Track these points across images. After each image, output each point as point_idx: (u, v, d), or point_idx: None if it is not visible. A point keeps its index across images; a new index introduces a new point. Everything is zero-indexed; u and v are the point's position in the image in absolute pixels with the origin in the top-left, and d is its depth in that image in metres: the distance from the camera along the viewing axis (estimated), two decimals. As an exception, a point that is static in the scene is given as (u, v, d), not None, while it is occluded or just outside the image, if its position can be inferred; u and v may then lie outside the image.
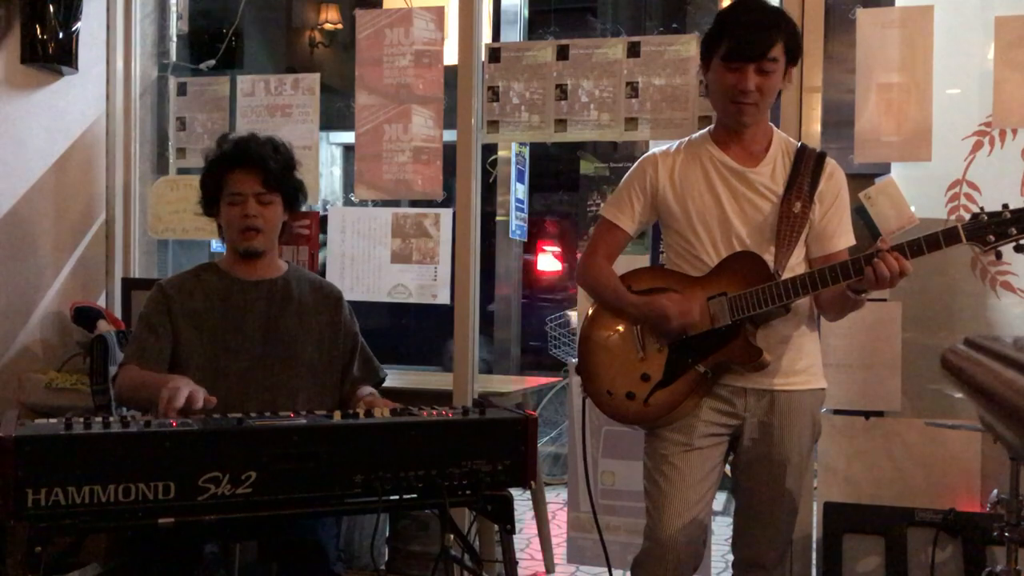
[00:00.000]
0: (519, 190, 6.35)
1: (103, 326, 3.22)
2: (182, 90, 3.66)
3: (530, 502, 3.87)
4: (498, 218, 6.42)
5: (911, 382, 2.88)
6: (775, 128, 2.36)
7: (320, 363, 2.46)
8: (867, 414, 2.93)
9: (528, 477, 2.02)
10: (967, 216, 2.11)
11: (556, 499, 4.73)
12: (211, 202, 2.47)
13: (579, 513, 3.33)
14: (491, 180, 5.53)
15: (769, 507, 2.31)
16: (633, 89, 3.08)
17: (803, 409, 2.29)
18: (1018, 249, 2.06)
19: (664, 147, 2.40)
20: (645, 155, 2.40)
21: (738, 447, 2.32)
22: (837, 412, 2.97)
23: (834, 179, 2.30)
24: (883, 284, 2.06)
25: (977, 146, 2.90)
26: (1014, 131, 2.86)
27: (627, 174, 2.41)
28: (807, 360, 2.30)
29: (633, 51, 3.09)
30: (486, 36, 3.50)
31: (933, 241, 2.07)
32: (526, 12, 5.94)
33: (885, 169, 2.98)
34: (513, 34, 5.80)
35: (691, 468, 2.26)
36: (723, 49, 2.19)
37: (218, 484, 1.81)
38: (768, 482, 2.29)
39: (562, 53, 3.16)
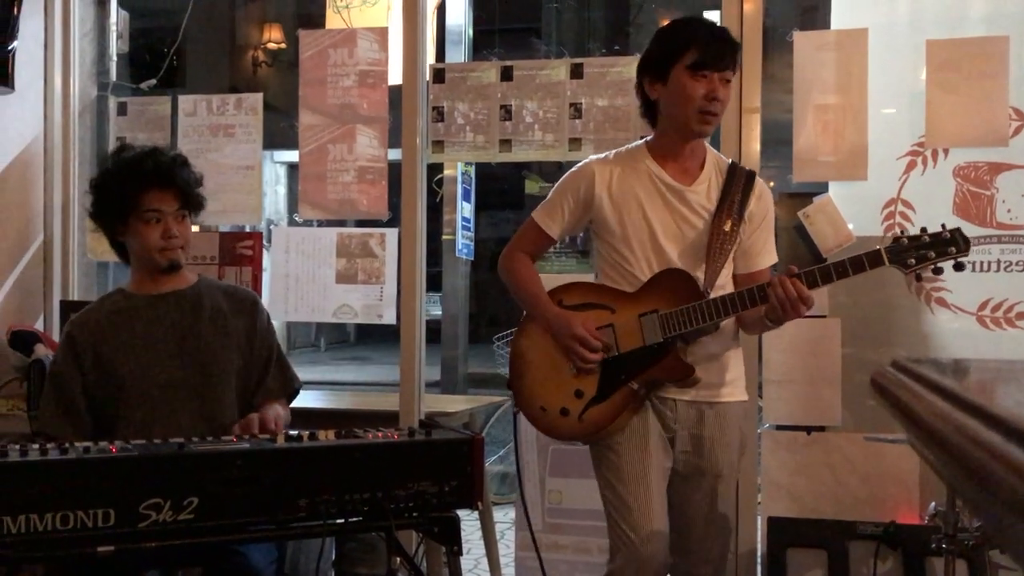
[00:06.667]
0: (465, 209, 6.36)
1: (41, 350, 3.15)
2: (122, 110, 3.62)
3: (478, 522, 3.86)
4: (445, 237, 6.43)
5: (851, 397, 2.94)
6: (707, 145, 2.40)
7: (240, 368, 2.43)
8: (808, 429, 2.97)
9: (475, 498, 2.01)
10: (900, 233, 2.18)
11: (504, 518, 4.72)
12: (116, 217, 2.38)
13: (527, 532, 3.33)
14: (437, 199, 5.53)
15: (702, 520, 2.34)
16: (576, 110, 3.11)
17: (732, 421, 2.33)
18: (936, 271, 2.15)
19: (601, 156, 2.41)
20: (582, 164, 2.41)
21: (672, 460, 2.34)
22: (779, 428, 3.01)
23: (763, 200, 2.35)
24: (786, 306, 2.11)
25: (911, 165, 2.98)
26: (946, 151, 2.93)
27: (562, 180, 2.41)
28: (732, 373, 2.35)
29: (576, 72, 3.12)
30: (430, 57, 3.51)
31: (858, 263, 2.14)
32: (471, 32, 5.98)
33: (823, 188, 3.04)
34: (458, 54, 5.82)
35: (654, 477, 2.27)
36: (691, 58, 2.20)
37: (159, 511, 1.78)
38: (700, 495, 2.33)
39: (506, 74, 3.18)
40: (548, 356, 2.34)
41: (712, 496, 2.32)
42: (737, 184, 2.31)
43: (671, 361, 2.24)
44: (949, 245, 2.13)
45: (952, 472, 0.61)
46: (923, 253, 2.13)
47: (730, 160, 2.41)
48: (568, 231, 2.43)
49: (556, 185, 2.43)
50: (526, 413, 2.40)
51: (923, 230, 2.15)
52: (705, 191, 2.30)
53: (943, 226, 2.16)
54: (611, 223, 2.31)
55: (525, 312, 2.43)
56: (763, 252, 2.35)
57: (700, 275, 2.25)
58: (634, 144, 2.41)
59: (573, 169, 2.41)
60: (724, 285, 2.29)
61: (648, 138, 2.39)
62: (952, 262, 2.15)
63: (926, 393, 0.71)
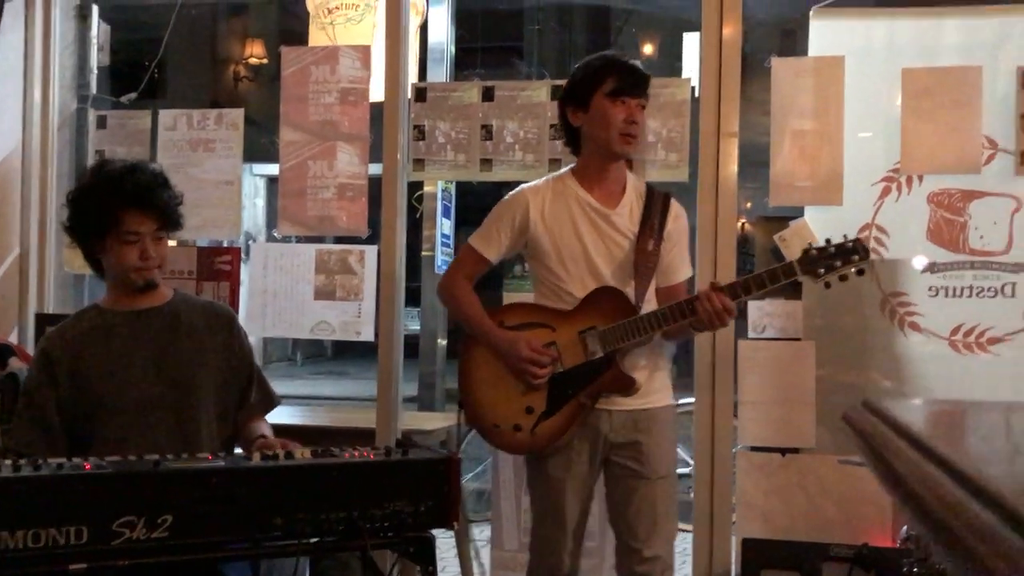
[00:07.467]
0: (445, 226, 6.36)
1: (15, 363, 3.12)
2: (102, 123, 3.60)
3: (454, 539, 3.85)
4: (424, 253, 6.43)
5: (825, 419, 2.96)
6: (627, 170, 2.57)
7: (218, 385, 2.41)
8: (783, 451, 2.99)
9: (451, 518, 2.02)
10: (810, 245, 2.34)
11: (480, 536, 4.71)
12: (93, 233, 2.35)
13: (503, 551, 3.33)
14: (417, 215, 5.52)
15: (646, 521, 2.45)
16: (557, 131, 3.12)
17: (665, 425, 2.50)
18: (842, 278, 2.34)
19: (532, 184, 2.57)
20: (515, 192, 2.56)
21: (609, 470, 2.48)
22: (754, 449, 3.03)
23: (680, 220, 2.55)
24: (713, 317, 2.30)
25: (886, 191, 3.02)
26: (920, 177, 2.98)
27: (497, 208, 2.56)
28: (661, 380, 2.52)
29: (557, 94, 3.13)
30: (412, 75, 3.53)
31: (774, 275, 2.35)
32: (453, 50, 5.99)
33: (799, 211, 3.07)
34: (440, 71, 5.84)
35: (578, 499, 2.47)
36: (610, 86, 2.41)
37: (133, 528, 1.77)
38: (641, 497, 2.45)
39: (488, 94, 3.19)
40: (496, 375, 2.47)
41: (654, 498, 2.45)
42: (656, 206, 2.48)
43: (614, 374, 2.41)
44: (852, 253, 2.34)
45: (916, 520, 0.62)
46: (830, 262, 2.33)
47: (646, 184, 2.58)
48: (504, 255, 2.57)
49: (491, 212, 2.57)
50: (479, 430, 2.55)
51: (827, 241, 2.36)
52: (628, 213, 2.48)
53: (845, 236, 2.36)
54: (546, 245, 2.47)
55: (467, 333, 2.55)
56: (681, 267, 2.55)
57: (630, 291, 2.42)
58: (561, 171, 2.59)
59: (507, 197, 2.56)
60: (651, 299, 2.47)
61: (572, 166, 2.56)
62: (855, 269, 2.34)
63: (895, 439, 0.73)
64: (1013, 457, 0.76)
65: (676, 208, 2.54)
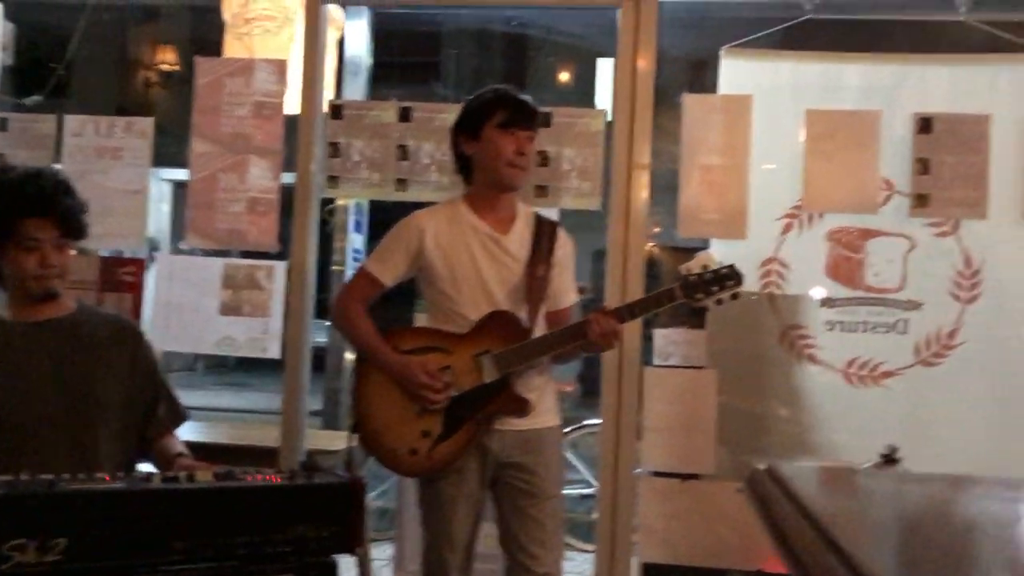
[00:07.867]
0: (356, 241, 6.31)
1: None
2: (3, 126, 3.48)
3: (355, 558, 3.81)
4: (334, 268, 6.35)
5: (725, 445, 3.04)
6: (515, 198, 2.63)
7: (122, 401, 2.34)
8: (683, 476, 3.06)
9: (354, 543, 2.00)
10: (687, 272, 2.46)
11: (382, 555, 4.67)
12: None
13: (406, 573, 3.32)
14: (328, 229, 5.46)
15: (537, 539, 2.51)
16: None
17: (552, 444, 2.58)
18: (718, 302, 2.48)
19: (427, 209, 2.63)
20: (410, 217, 2.60)
21: (500, 490, 2.54)
22: (656, 474, 3.09)
23: (566, 247, 2.63)
24: (602, 339, 2.41)
25: (788, 227, 3.12)
26: (821, 214, 3.09)
27: (392, 232, 2.60)
28: (548, 401, 2.59)
29: (473, 118, 3.15)
30: (329, 90, 3.50)
31: (657, 299, 2.47)
32: (370, 63, 5.97)
33: (706, 242, 3.15)
34: (356, 85, 5.80)
35: (469, 517, 2.52)
36: (500, 118, 2.49)
37: (24, 551, 1.71)
38: (532, 517, 2.51)
39: (405, 115, 3.20)
40: (391, 399, 2.49)
41: (544, 517, 2.51)
42: (544, 233, 2.57)
43: (509, 396, 2.47)
44: (727, 279, 2.47)
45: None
46: (707, 287, 2.46)
47: (534, 211, 2.66)
48: (399, 278, 2.60)
49: (386, 236, 2.61)
50: (375, 455, 2.55)
51: (704, 267, 2.48)
52: (519, 239, 2.55)
53: (720, 263, 2.49)
54: (440, 269, 2.52)
55: (360, 357, 2.57)
56: (567, 292, 2.64)
57: (523, 315, 2.49)
58: (453, 197, 2.65)
59: (402, 222, 2.59)
60: (541, 323, 2.54)
61: (465, 192, 2.61)
62: (730, 294, 2.48)
63: (796, 517, 0.75)
64: (905, 544, 0.80)
65: (563, 236, 2.63)
